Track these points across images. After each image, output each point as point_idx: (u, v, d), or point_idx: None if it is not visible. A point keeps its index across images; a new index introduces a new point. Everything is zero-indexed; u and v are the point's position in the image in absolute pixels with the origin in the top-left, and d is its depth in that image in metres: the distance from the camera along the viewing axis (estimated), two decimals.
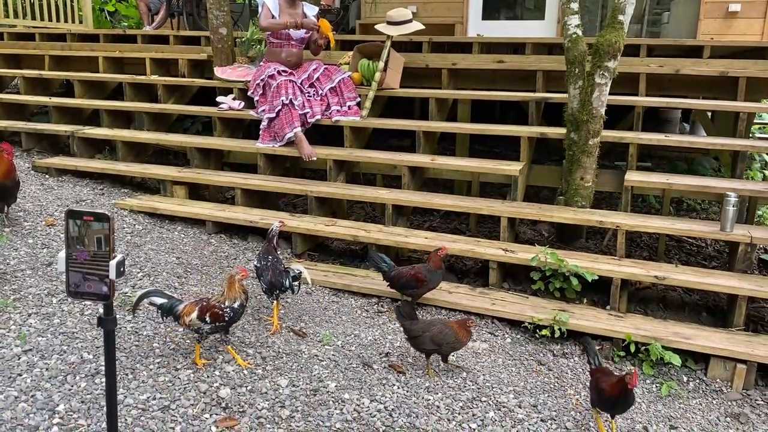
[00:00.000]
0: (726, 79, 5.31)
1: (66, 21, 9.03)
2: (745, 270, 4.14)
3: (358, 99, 5.62)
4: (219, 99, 5.99)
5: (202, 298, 3.17)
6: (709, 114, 6.24)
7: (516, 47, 6.51)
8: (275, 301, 3.62)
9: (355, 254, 5.05)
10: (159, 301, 3.17)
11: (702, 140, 5.08)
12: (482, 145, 6.39)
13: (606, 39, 4.42)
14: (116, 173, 5.68)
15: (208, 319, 3.06)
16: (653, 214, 5.59)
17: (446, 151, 6.10)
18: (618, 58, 4.46)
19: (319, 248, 5.11)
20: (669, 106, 5.34)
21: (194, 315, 3.07)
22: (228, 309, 3.09)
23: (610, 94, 4.58)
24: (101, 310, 1.66)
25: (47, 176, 5.63)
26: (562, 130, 4.80)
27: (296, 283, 3.61)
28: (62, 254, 1.53)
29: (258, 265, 3.65)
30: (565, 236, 5.07)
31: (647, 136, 4.92)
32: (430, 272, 3.91)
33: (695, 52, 5.93)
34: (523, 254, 4.25)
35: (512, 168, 4.82)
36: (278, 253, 3.77)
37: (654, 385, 3.55)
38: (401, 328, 3.44)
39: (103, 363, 2.99)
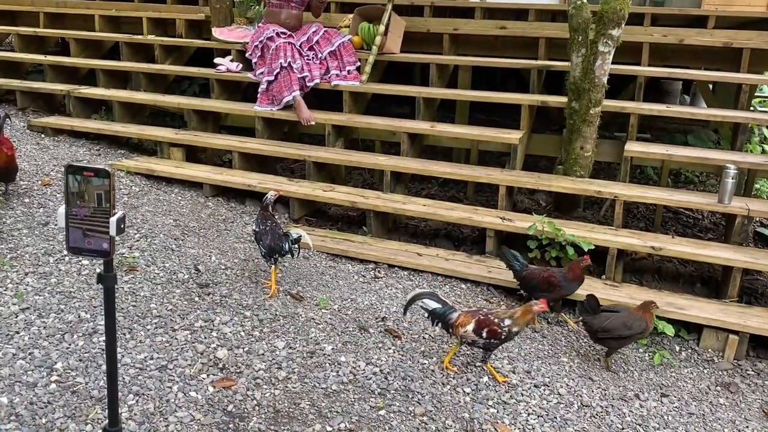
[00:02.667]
0: (729, 50, 5.26)
1: None
2: (741, 242, 4.15)
3: (358, 63, 5.55)
4: (217, 60, 5.91)
5: (479, 310, 3.07)
6: (711, 86, 6.19)
7: (519, 13, 6.40)
8: (273, 265, 3.62)
9: (352, 220, 5.05)
10: (432, 305, 3.07)
11: (704, 111, 5.05)
12: (482, 114, 6.34)
13: (611, 6, 4.35)
14: (113, 134, 5.63)
15: (484, 334, 2.95)
16: (651, 185, 5.59)
17: (445, 118, 6.05)
18: (622, 27, 4.40)
19: (317, 214, 5.11)
20: (672, 76, 5.29)
21: (470, 327, 2.97)
22: (506, 329, 2.96)
23: (612, 63, 4.53)
24: (101, 267, 1.65)
25: (43, 136, 5.58)
26: (564, 99, 4.77)
27: (296, 246, 3.61)
28: (62, 210, 1.52)
29: (257, 229, 3.65)
30: (563, 206, 5.07)
31: (648, 106, 4.89)
32: (566, 280, 3.60)
33: (700, 22, 5.85)
34: (521, 223, 4.26)
35: (512, 136, 4.80)
36: (276, 217, 3.76)
37: (647, 354, 3.60)
38: (582, 324, 3.37)
39: (101, 323, 3.01)
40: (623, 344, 3.34)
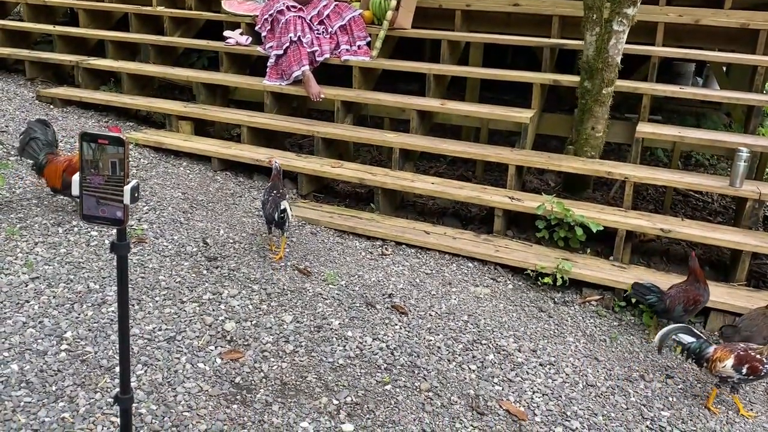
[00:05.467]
0: (746, 31, 5.17)
1: None
2: (751, 226, 4.13)
3: (369, 39, 5.50)
4: (226, 33, 5.87)
5: (735, 344, 2.98)
6: (725, 68, 6.12)
7: None
8: (281, 234, 3.70)
9: (360, 197, 5.04)
10: (687, 339, 3.00)
11: (717, 93, 5.00)
12: (492, 92, 6.29)
13: None
14: (121, 106, 5.61)
15: (744, 370, 2.86)
16: (661, 167, 5.55)
17: (456, 96, 6.00)
18: (637, 5, 4.34)
19: (325, 190, 5.10)
20: (686, 57, 5.22)
21: (729, 362, 2.88)
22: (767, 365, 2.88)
23: (626, 43, 4.48)
24: (112, 238, 1.66)
25: (52, 107, 5.56)
26: (576, 78, 4.72)
27: (283, 215, 3.59)
28: (76, 177, 1.51)
29: (263, 198, 3.71)
30: (572, 186, 5.04)
31: (662, 87, 4.84)
32: (702, 288, 3.44)
33: (716, 2, 5.75)
34: (529, 203, 4.24)
35: (523, 115, 4.76)
36: (282, 187, 3.78)
37: (653, 336, 3.60)
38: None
39: (110, 293, 3.03)
40: None
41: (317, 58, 5.30)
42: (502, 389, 2.86)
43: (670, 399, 3.02)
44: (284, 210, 3.58)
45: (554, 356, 3.18)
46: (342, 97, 5.20)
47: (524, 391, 2.87)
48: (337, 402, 2.60)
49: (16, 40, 6.60)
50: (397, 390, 2.72)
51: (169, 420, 2.38)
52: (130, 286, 3.13)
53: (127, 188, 1.50)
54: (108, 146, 1.47)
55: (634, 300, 3.70)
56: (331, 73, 5.57)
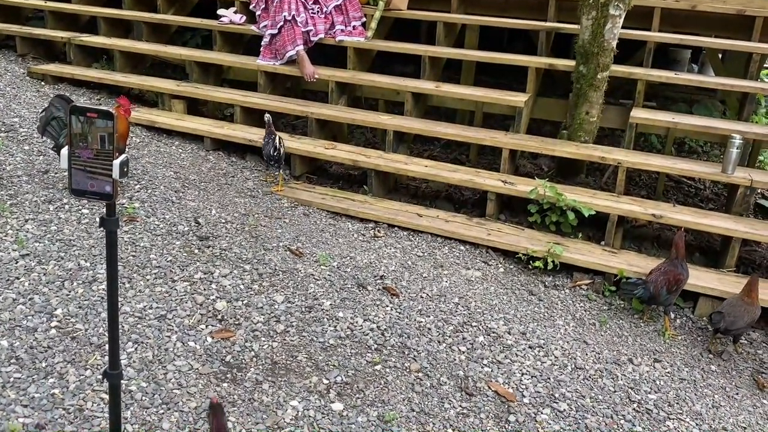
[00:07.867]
0: (742, 18, 5.16)
1: None
2: (742, 213, 4.16)
3: (364, 19, 5.46)
4: (220, 12, 5.81)
5: None
6: (720, 55, 6.10)
7: None
8: (277, 169, 4.49)
9: (353, 179, 5.03)
10: None
11: (712, 80, 4.99)
12: (487, 76, 6.26)
13: None
14: (114, 84, 5.56)
15: None
16: (654, 153, 5.55)
17: (451, 80, 5.97)
18: None
19: (318, 171, 5.08)
20: (682, 43, 5.20)
21: None
22: None
23: (622, 28, 4.46)
24: (102, 213, 1.65)
25: (43, 83, 5.51)
26: (571, 63, 4.71)
27: (278, 151, 4.34)
28: (65, 151, 1.50)
29: (263, 142, 4.34)
30: (565, 171, 5.04)
31: (657, 73, 4.83)
32: (683, 266, 3.49)
33: None
34: (522, 187, 4.25)
35: (518, 99, 4.75)
36: (275, 134, 4.34)
37: (641, 321, 3.63)
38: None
39: (100, 271, 3.03)
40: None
41: (312, 38, 5.26)
42: (492, 371, 2.88)
43: (658, 383, 3.05)
44: (278, 147, 4.30)
45: (544, 339, 3.20)
46: (336, 78, 5.17)
47: (513, 373, 2.89)
48: (327, 381, 2.62)
49: (7, 16, 6.50)
50: (387, 370, 2.74)
51: (159, 397, 2.39)
52: (121, 264, 3.12)
53: (116, 162, 1.49)
54: (97, 120, 1.45)
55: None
56: (326, 54, 5.53)
